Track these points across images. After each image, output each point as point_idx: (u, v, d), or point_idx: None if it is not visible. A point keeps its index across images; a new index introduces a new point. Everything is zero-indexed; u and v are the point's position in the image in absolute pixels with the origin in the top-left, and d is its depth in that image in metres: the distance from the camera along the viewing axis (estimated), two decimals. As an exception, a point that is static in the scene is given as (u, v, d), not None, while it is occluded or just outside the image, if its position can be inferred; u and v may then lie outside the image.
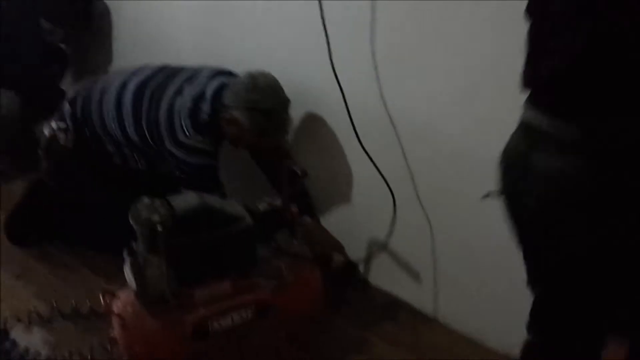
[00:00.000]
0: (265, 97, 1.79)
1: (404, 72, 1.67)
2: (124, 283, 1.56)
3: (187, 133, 1.82)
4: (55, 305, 1.82)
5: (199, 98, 1.84)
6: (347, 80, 1.74)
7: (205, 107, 1.83)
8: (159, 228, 1.40)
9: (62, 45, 2.55)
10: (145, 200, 1.45)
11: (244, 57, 2.05)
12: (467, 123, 1.58)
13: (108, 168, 2.03)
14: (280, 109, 1.84)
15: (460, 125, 1.60)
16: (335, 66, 1.73)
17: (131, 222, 1.42)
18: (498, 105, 1.48)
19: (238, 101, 1.79)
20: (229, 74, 1.93)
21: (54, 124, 2.03)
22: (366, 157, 1.77)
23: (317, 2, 1.69)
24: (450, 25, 1.53)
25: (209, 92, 1.84)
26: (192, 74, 1.92)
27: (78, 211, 2.08)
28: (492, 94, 1.49)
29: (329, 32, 1.71)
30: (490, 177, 1.52)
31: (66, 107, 2.03)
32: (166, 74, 1.94)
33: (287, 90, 1.87)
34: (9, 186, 2.43)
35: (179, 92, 1.87)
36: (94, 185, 2.05)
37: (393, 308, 1.93)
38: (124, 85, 1.95)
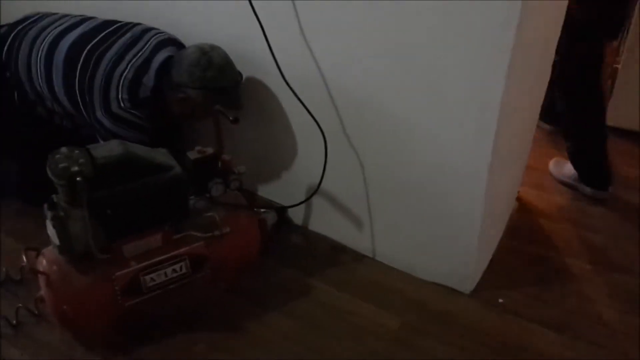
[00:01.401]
0: (221, 75, 1.70)
1: (327, 16, 1.59)
2: (38, 245, 1.47)
3: (123, 105, 1.69)
4: (-31, 273, 1.71)
5: (141, 70, 1.70)
6: (270, 26, 1.65)
7: (148, 81, 1.70)
8: (79, 179, 1.30)
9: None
10: (64, 149, 1.35)
11: (151, 11, 1.93)
12: (390, 62, 1.54)
13: (28, 115, 1.89)
14: (235, 85, 1.75)
15: (384, 65, 1.56)
16: (256, 11, 1.64)
17: (49, 173, 1.31)
18: (418, 46, 1.47)
19: (194, 81, 1.67)
20: (175, 43, 1.80)
21: None
22: (297, 102, 1.71)
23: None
24: None
25: (154, 66, 1.71)
26: (135, 38, 1.77)
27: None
28: (419, 37, 1.46)
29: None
30: (411, 110, 1.56)
31: None
32: (106, 34, 1.78)
33: (211, 32, 1.77)
34: None
35: (119, 58, 1.72)
36: (9, 128, 1.91)
37: (333, 252, 1.93)
38: (57, 41, 1.78)
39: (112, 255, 1.43)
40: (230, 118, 1.61)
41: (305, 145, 1.88)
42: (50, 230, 1.38)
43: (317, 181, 1.85)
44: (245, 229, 1.65)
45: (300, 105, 1.71)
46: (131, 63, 1.71)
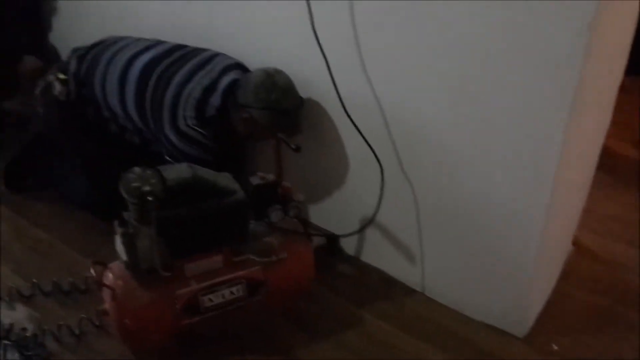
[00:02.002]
0: (285, 97, 1.76)
1: (386, 46, 1.63)
2: (102, 258, 1.53)
3: (189, 123, 1.78)
4: (35, 282, 1.78)
5: (209, 90, 1.79)
6: (332, 53, 1.70)
7: (214, 101, 1.79)
8: (150, 198, 1.35)
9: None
10: (137, 169, 1.41)
11: (215, 35, 2.01)
12: (445, 93, 1.57)
13: (101, 132, 2.00)
14: (298, 107, 1.82)
15: (439, 95, 1.59)
16: (319, 38, 1.69)
17: (121, 191, 1.37)
18: (473, 77, 1.48)
19: (258, 102, 1.75)
20: (242, 67, 1.89)
21: (54, 72, 1.99)
22: (355, 130, 1.75)
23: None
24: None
25: (221, 87, 1.80)
26: (204, 61, 1.86)
27: (66, 165, 2.10)
28: (470, 63, 1.48)
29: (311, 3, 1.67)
30: (465, 144, 1.57)
31: (73, 61, 1.97)
32: (177, 57, 1.88)
33: (271, 61, 1.84)
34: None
35: (188, 79, 1.81)
36: (82, 143, 2.03)
37: (383, 284, 1.93)
38: (131, 62, 1.88)
39: (174, 273, 1.47)
40: (293, 146, 1.67)
41: (360, 175, 1.90)
42: (119, 246, 1.43)
43: (370, 211, 1.87)
44: (301, 256, 1.68)
45: (357, 134, 1.75)
46: (199, 84, 1.80)
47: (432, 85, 1.58)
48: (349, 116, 1.72)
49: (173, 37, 2.01)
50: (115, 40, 2.00)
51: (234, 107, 1.79)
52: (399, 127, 1.72)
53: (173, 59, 1.87)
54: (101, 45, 2.00)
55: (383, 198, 1.81)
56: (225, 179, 1.56)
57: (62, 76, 1.96)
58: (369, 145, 1.74)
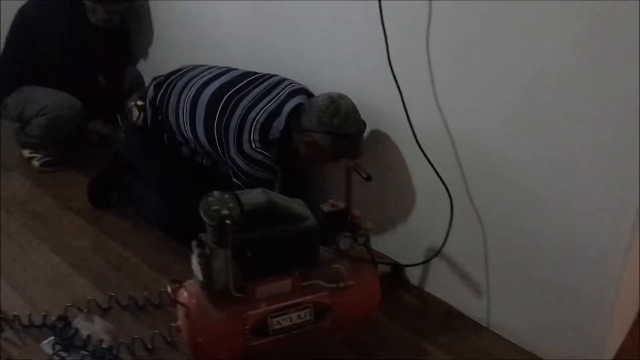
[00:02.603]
0: (347, 122, 1.81)
1: (461, 79, 1.66)
2: (175, 275, 1.61)
3: (254, 145, 1.85)
4: (113, 295, 1.87)
5: (274, 115, 1.87)
6: (406, 84, 1.74)
7: (279, 124, 1.86)
8: (228, 221, 1.41)
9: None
10: (216, 193, 1.47)
11: (296, 65, 2.08)
12: (522, 130, 1.57)
13: (175, 156, 2.11)
14: (360, 132, 1.86)
15: (516, 132, 1.59)
16: (394, 70, 1.72)
17: (201, 213, 1.44)
18: (553, 114, 1.47)
19: (321, 126, 1.80)
20: (307, 93, 1.96)
21: (134, 100, 2.13)
22: (425, 161, 1.76)
23: (377, 8, 1.68)
24: (509, 29, 1.51)
25: (286, 111, 1.87)
26: (271, 87, 1.95)
27: (142, 186, 2.21)
28: (549, 99, 1.48)
29: (388, 36, 1.70)
30: (542, 182, 1.55)
31: (151, 89, 2.10)
32: (245, 83, 1.97)
33: (343, 92, 1.89)
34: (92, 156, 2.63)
35: (255, 104, 1.89)
36: (157, 166, 2.14)
37: (446, 316, 1.92)
38: (202, 89, 1.99)
39: (246, 295, 1.52)
40: (364, 175, 1.69)
41: (428, 205, 1.91)
42: (195, 266, 1.49)
43: (437, 242, 1.87)
44: (368, 283, 1.69)
45: (427, 164, 1.76)
46: (265, 108, 1.87)
47: (508, 120, 1.59)
48: (420, 147, 1.74)
49: (258, 66, 2.10)
50: (189, 69, 2.11)
51: (298, 130, 1.85)
52: (471, 160, 1.72)
53: (241, 85, 1.95)
54: (177, 74, 2.11)
55: (451, 230, 1.81)
56: (298, 205, 1.61)
57: (140, 103, 2.10)
58: (439, 177, 1.75)
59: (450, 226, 1.79)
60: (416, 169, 1.86)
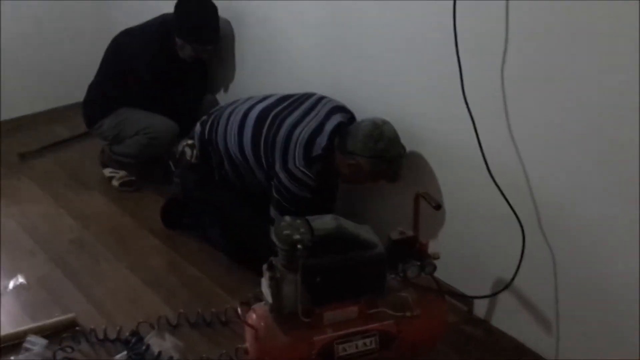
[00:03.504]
0: (390, 147, 1.90)
1: (535, 111, 1.64)
2: (242, 296, 1.68)
3: (297, 162, 1.95)
4: (182, 312, 1.94)
5: (317, 132, 1.97)
6: (479, 114, 1.73)
7: (322, 141, 1.95)
8: (299, 246, 1.44)
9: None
10: (287, 218, 1.51)
11: (367, 94, 2.12)
12: (595, 164, 1.54)
13: (226, 187, 2.21)
14: (401, 157, 1.94)
15: (588, 166, 1.56)
16: (467, 100, 1.72)
17: (273, 238, 1.48)
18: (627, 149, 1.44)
19: (365, 150, 1.89)
20: (345, 110, 2.06)
21: (184, 141, 2.26)
22: (496, 190, 1.74)
23: (452, 38, 1.69)
24: (587, 64, 1.49)
25: (328, 128, 1.97)
26: (313, 105, 2.07)
27: (203, 215, 2.31)
28: (620, 134, 1.45)
29: (462, 66, 1.71)
30: (616, 216, 1.50)
31: (197, 127, 2.25)
32: (288, 103, 2.09)
33: (414, 121, 1.94)
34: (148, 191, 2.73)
35: (299, 121, 2.01)
36: (213, 199, 2.23)
37: (513, 351, 1.87)
38: (248, 111, 2.11)
39: (313, 319, 1.54)
40: (433, 204, 1.69)
41: (498, 237, 1.88)
42: (265, 289, 1.53)
43: (505, 274, 1.83)
44: (434, 314, 1.68)
45: (498, 194, 1.74)
46: (308, 126, 1.98)
47: (580, 154, 1.56)
48: (492, 176, 1.73)
49: (328, 94, 2.16)
50: (229, 104, 2.25)
51: (342, 152, 1.93)
52: (544, 193, 1.69)
53: (284, 105, 2.08)
54: (218, 110, 2.26)
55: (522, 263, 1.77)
56: (366, 232, 1.62)
57: (190, 142, 2.24)
58: (512, 208, 1.72)
59: (521, 258, 1.76)
60: (487, 198, 1.83)
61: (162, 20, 2.62)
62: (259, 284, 1.63)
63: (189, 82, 2.72)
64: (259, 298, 1.85)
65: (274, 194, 2.03)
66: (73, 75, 3.30)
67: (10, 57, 3.22)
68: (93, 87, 2.74)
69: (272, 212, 2.06)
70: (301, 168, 1.95)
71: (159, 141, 2.59)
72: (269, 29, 2.46)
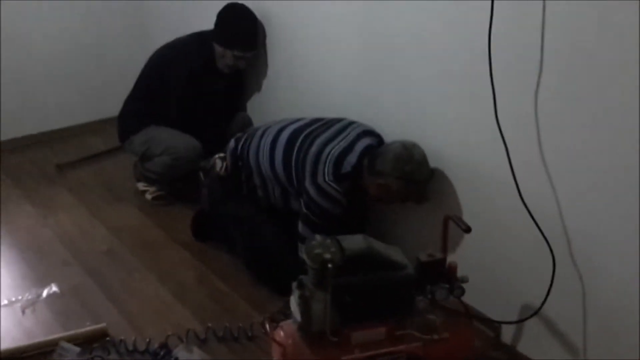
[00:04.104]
0: (419, 169, 1.94)
1: (568, 138, 1.63)
2: (269, 312, 1.70)
3: (326, 178, 1.99)
4: (210, 326, 1.96)
5: (346, 151, 2.02)
6: (511, 140, 1.73)
7: (351, 160, 2.00)
8: (330, 265, 1.46)
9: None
10: (318, 237, 1.53)
11: (398, 117, 2.14)
12: (629, 192, 1.52)
13: (251, 199, 2.27)
14: (428, 180, 1.98)
15: (623, 195, 1.54)
16: (500, 125, 1.73)
17: (304, 256, 1.50)
18: None
19: (395, 171, 1.92)
20: (374, 134, 2.11)
21: (216, 155, 2.33)
22: (527, 216, 1.73)
23: (486, 64, 1.71)
24: (623, 94, 1.48)
25: (358, 149, 2.02)
26: (343, 127, 2.12)
27: (228, 228, 2.35)
28: None
29: (496, 91, 1.72)
30: None
31: (231, 142, 2.32)
32: (319, 125, 2.15)
33: (445, 143, 1.96)
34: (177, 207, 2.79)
35: (329, 141, 2.06)
36: (239, 212, 2.28)
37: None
38: (281, 130, 2.18)
39: (341, 339, 1.55)
40: (463, 227, 1.70)
41: (527, 261, 1.86)
42: (294, 307, 1.55)
43: (534, 299, 1.82)
44: (461, 338, 1.68)
45: (529, 218, 1.73)
46: (338, 145, 2.04)
47: (617, 183, 1.55)
48: (523, 202, 1.72)
49: (360, 116, 2.21)
50: (263, 124, 2.32)
51: (371, 172, 1.97)
52: (575, 220, 1.68)
53: (316, 126, 2.14)
54: (253, 128, 2.34)
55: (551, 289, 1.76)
56: (396, 253, 1.63)
57: (221, 155, 2.32)
58: (542, 234, 1.71)
59: (551, 285, 1.74)
60: (517, 223, 1.83)
61: (200, 35, 2.69)
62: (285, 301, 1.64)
63: (223, 98, 2.78)
64: (285, 313, 1.88)
65: (303, 209, 2.06)
66: (110, 89, 3.41)
67: (50, 71, 3.35)
68: (128, 102, 2.81)
69: (301, 227, 2.09)
70: (330, 183, 1.98)
71: (181, 162, 2.65)
72: (304, 53, 2.51)
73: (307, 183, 2.03)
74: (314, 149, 2.04)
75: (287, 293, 1.89)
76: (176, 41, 2.73)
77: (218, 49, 2.60)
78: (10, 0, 3.10)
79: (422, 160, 1.95)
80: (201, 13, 2.91)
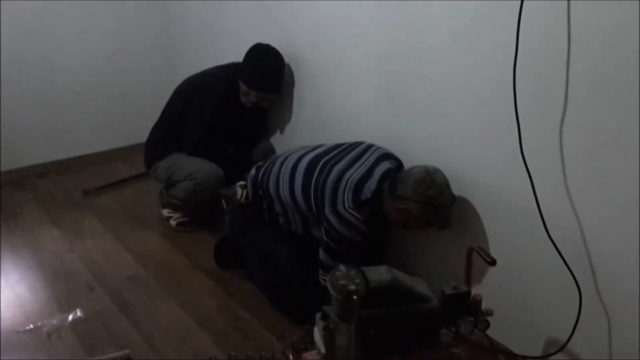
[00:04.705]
0: (441, 193, 1.93)
1: (594, 173, 1.63)
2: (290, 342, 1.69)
3: (346, 205, 1.99)
4: (232, 355, 1.96)
5: (365, 177, 2.02)
6: (536, 173, 1.73)
7: (371, 186, 2.00)
8: (355, 297, 1.46)
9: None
10: (342, 268, 1.53)
11: (423, 147, 2.16)
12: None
13: (273, 230, 2.29)
14: (449, 205, 1.97)
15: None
16: (525, 158, 1.73)
17: (328, 287, 1.49)
18: None
19: (417, 195, 1.92)
20: (393, 157, 2.13)
21: (238, 183, 2.37)
22: (553, 251, 1.72)
23: (511, 97, 1.72)
24: None
25: (377, 174, 2.02)
26: (362, 152, 2.14)
27: (247, 255, 2.38)
28: None
29: (520, 124, 1.73)
30: None
31: (253, 171, 2.35)
32: (338, 152, 2.17)
33: (469, 174, 1.96)
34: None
35: (348, 167, 2.07)
36: (259, 240, 2.30)
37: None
38: (300, 159, 2.20)
39: (365, 371, 1.54)
40: (488, 259, 1.69)
41: (553, 296, 1.85)
42: (318, 338, 1.54)
43: (559, 335, 1.81)
44: (487, 372, 1.65)
45: (555, 253, 1.72)
46: (357, 172, 2.04)
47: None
48: (549, 236, 1.72)
49: (385, 145, 2.22)
50: (284, 152, 2.35)
51: (392, 196, 1.96)
52: (601, 253, 1.67)
53: (335, 153, 2.16)
54: (274, 157, 2.37)
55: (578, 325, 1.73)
56: (420, 285, 1.63)
57: (242, 183, 2.35)
58: (568, 267, 1.70)
59: (577, 321, 1.72)
60: (542, 258, 1.82)
61: (227, 68, 2.76)
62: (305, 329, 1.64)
63: (246, 129, 2.83)
64: (305, 342, 1.87)
65: (324, 237, 2.07)
66: (135, 118, 3.50)
67: (79, 99, 3.45)
68: (154, 130, 2.88)
69: (322, 254, 2.10)
70: (350, 211, 1.99)
71: (203, 187, 2.69)
72: (328, 81, 2.55)
73: (327, 211, 2.04)
74: (332, 176, 2.05)
75: (305, 321, 1.90)
76: (203, 73, 2.80)
77: (243, 86, 2.66)
78: (42, 29, 3.21)
79: (444, 184, 1.94)
80: (226, 47, 3.02)
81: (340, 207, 2.01)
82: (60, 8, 3.24)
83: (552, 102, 1.68)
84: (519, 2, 1.63)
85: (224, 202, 2.59)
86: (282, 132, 2.92)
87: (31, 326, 2.17)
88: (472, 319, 1.65)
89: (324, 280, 1.99)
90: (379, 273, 1.57)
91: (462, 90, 1.96)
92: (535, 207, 1.73)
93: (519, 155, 1.73)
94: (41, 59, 3.22)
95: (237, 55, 2.71)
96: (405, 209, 1.95)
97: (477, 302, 1.69)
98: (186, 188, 2.71)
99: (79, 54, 3.37)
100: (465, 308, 1.67)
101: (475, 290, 1.75)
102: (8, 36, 3.08)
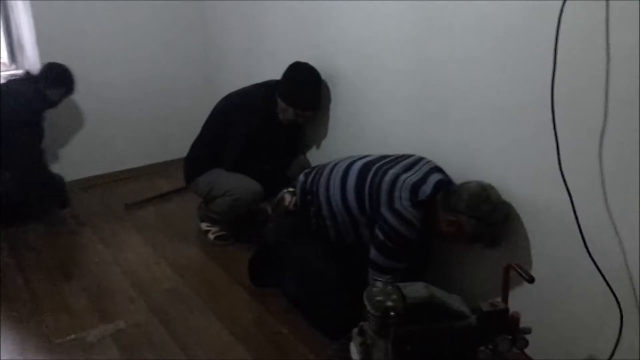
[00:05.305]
0: (494, 211, 1.91)
1: (634, 182, 1.60)
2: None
3: (403, 202, 1.99)
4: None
5: (420, 182, 2.03)
6: (575, 189, 1.71)
7: (426, 189, 2.00)
8: (392, 314, 1.47)
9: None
10: (379, 284, 1.54)
11: (456, 160, 2.16)
12: None
13: (317, 236, 2.27)
14: (504, 222, 1.94)
15: None
16: (564, 174, 1.71)
17: (365, 303, 1.51)
18: None
19: (470, 210, 1.91)
20: (443, 171, 2.12)
21: (285, 189, 2.36)
22: (593, 269, 1.69)
23: (549, 111, 1.71)
24: None
25: (431, 181, 2.02)
26: (413, 163, 2.14)
27: (284, 268, 2.38)
28: None
29: (559, 138, 1.71)
30: None
31: (301, 177, 2.35)
32: (389, 160, 2.17)
33: (508, 191, 1.94)
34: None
35: (402, 172, 2.08)
36: (302, 249, 2.29)
37: None
38: (351, 165, 2.21)
39: (401, 388, 1.54)
40: (526, 277, 1.67)
41: (593, 315, 1.81)
42: (355, 354, 1.56)
43: (598, 354, 1.77)
44: (525, 392, 1.63)
45: (595, 272, 1.69)
46: (412, 176, 2.05)
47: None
48: (589, 254, 1.69)
49: (424, 152, 2.23)
50: (331, 161, 2.35)
51: (444, 207, 1.96)
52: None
53: (386, 161, 2.16)
54: (321, 165, 2.37)
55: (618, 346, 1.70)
56: (457, 302, 1.62)
57: (291, 189, 2.34)
58: (609, 287, 1.67)
59: (618, 341, 1.69)
60: (582, 276, 1.79)
61: (266, 86, 2.82)
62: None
63: (282, 145, 2.87)
64: (339, 356, 1.88)
65: (380, 236, 2.05)
66: (176, 134, 3.59)
67: (122, 115, 3.57)
68: (194, 146, 2.94)
69: (373, 254, 2.08)
70: (408, 208, 1.99)
71: (242, 202, 2.74)
72: (362, 97, 2.58)
73: (383, 209, 2.03)
74: (388, 177, 2.06)
75: (337, 336, 1.91)
76: (242, 91, 2.86)
77: (281, 103, 2.71)
78: (89, 50, 3.34)
79: (499, 202, 1.93)
80: (263, 67, 3.09)
81: (397, 204, 2.00)
82: (106, 27, 3.37)
83: (591, 118, 1.66)
84: (557, 17, 1.62)
85: (269, 209, 2.60)
86: (318, 147, 2.95)
87: (73, 336, 2.23)
88: (510, 336, 1.63)
89: (374, 279, 1.97)
90: (416, 289, 1.58)
91: (498, 105, 1.96)
92: (575, 224, 1.71)
93: (558, 172, 1.72)
94: (84, 76, 3.32)
95: (274, 73, 2.77)
96: (456, 221, 1.94)
97: (515, 319, 1.67)
98: (225, 203, 2.76)
99: (121, 74, 3.50)
100: (503, 326, 1.65)
101: (513, 308, 1.73)
102: (55, 56, 3.19)
